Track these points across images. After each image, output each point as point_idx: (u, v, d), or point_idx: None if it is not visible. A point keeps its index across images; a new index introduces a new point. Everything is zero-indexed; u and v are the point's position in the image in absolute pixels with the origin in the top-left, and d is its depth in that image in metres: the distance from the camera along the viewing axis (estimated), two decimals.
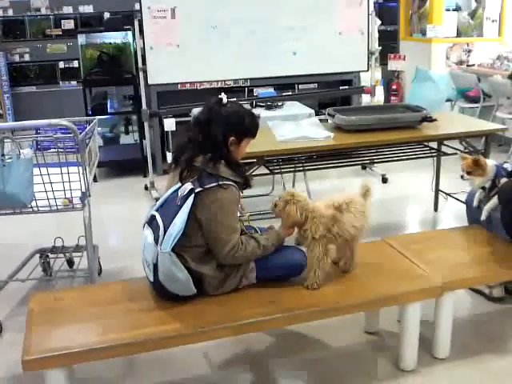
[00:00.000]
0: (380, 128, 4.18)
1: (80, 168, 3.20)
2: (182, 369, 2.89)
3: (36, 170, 3.13)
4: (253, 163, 3.80)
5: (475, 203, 3.36)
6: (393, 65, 7.56)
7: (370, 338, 3.09)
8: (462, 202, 4.03)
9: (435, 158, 4.71)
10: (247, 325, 2.47)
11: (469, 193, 3.52)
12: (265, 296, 2.59)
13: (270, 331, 3.10)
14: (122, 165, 6.49)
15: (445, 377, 2.77)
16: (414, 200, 5.32)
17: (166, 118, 5.53)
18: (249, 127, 2.62)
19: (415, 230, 4.59)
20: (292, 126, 4.32)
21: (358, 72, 6.51)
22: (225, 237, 2.49)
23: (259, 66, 5.99)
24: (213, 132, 2.52)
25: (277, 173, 4.20)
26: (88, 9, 8.82)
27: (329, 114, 4.43)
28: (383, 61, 7.82)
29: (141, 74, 5.63)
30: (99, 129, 4.68)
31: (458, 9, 7.91)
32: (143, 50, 5.63)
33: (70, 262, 3.90)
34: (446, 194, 4.94)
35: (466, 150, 4.24)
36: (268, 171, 4.04)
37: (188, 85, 5.93)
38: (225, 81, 6.00)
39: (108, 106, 6.51)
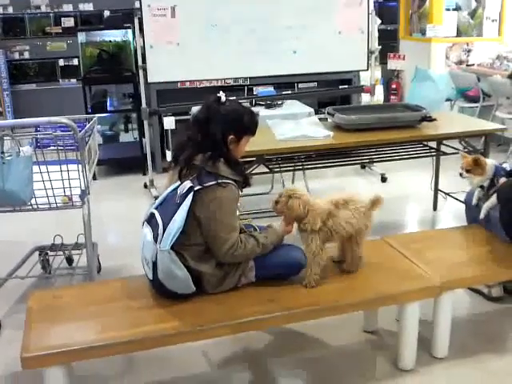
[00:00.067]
0: (379, 127, 4.18)
1: (79, 166, 3.20)
2: (181, 367, 2.89)
3: (35, 168, 3.13)
4: (252, 162, 3.80)
5: (474, 201, 3.37)
6: (392, 64, 7.57)
7: (369, 337, 3.10)
8: (461, 201, 4.03)
9: (434, 158, 4.72)
10: (246, 323, 2.47)
11: (468, 192, 3.53)
12: (264, 294, 2.59)
13: (269, 330, 3.10)
14: (121, 163, 6.49)
15: (443, 376, 2.78)
16: (414, 199, 5.33)
17: (165, 116, 5.54)
18: (248, 125, 2.61)
19: (414, 230, 4.60)
20: (291, 124, 4.32)
21: (358, 71, 6.51)
22: (224, 235, 2.49)
23: (259, 64, 5.99)
24: (212, 131, 2.52)
25: (276, 171, 4.20)
26: (88, 7, 8.83)
27: (328, 113, 4.43)
28: (383, 60, 7.82)
29: (141, 73, 5.63)
30: (99, 126, 4.69)
31: (458, 8, 7.91)
32: (143, 48, 5.63)
33: (70, 260, 3.90)
34: (445, 193, 4.95)
35: (466, 150, 4.24)
36: (267, 170, 4.04)
37: (188, 83, 5.93)
38: (225, 79, 6.00)
39: (108, 104, 6.51)
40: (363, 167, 6.13)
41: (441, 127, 4.28)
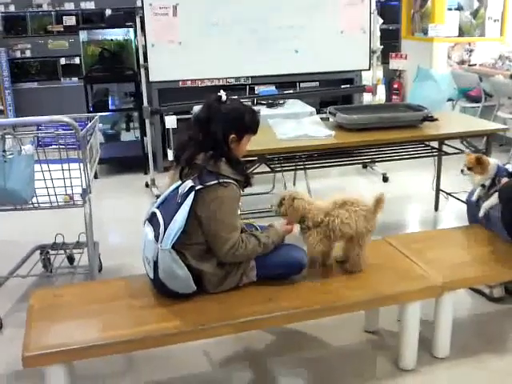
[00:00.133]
0: (381, 127, 4.18)
1: (81, 164, 3.20)
2: (182, 366, 2.89)
3: (37, 167, 3.14)
4: (254, 161, 3.80)
5: (474, 197, 3.36)
6: (394, 64, 7.57)
7: (370, 337, 3.09)
8: (462, 201, 4.03)
9: (436, 158, 4.71)
10: (247, 323, 2.47)
11: (469, 192, 3.53)
12: (265, 294, 2.59)
13: (270, 329, 3.10)
14: (122, 162, 6.50)
15: (444, 376, 2.78)
16: (415, 199, 5.32)
17: (167, 115, 5.54)
18: (249, 124, 2.61)
19: (416, 230, 4.60)
20: (293, 124, 4.32)
21: (360, 71, 6.50)
22: (225, 235, 2.49)
23: (261, 63, 5.98)
24: (212, 130, 2.52)
25: (278, 171, 4.20)
26: (90, 5, 8.83)
27: (330, 113, 4.43)
28: (385, 60, 7.82)
29: (142, 71, 5.63)
30: (100, 125, 4.69)
31: (460, 8, 7.90)
32: (145, 47, 5.63)
33: (71, 259, 3.91)
34: (447, 193, 4.94)
35: (467, 150, 4.23)
36: (269, 169, 4.04)
37: (189, 82, 5.93)
38: (226, 78, 6.00)
39: (109, 102, 6.52)
40: (365, 167, 6.13)
41: (442, 127, 4.27)
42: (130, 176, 6.17)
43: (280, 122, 4.39)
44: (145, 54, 5.64)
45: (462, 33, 7.73)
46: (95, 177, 4.88)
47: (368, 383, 2.75)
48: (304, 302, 2.56)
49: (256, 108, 3.48)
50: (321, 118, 4.66)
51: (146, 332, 2.35)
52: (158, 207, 2.60)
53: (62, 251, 3.83)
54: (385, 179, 5.75)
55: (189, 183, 2.48)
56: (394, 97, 8.15)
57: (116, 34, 6.56)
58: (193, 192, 2.44)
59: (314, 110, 5.41)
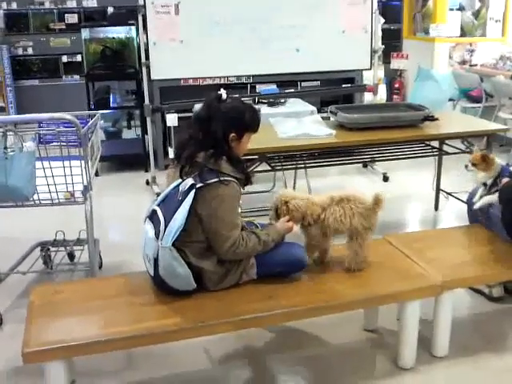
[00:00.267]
0: (382, 126, 4.18)
1: (82, 162, 3.21)
2: (181, 363, 2.89)
3: (38, 164, 3.14)
4: (254, 160, 3.80)
5: (476, 199, 3.36)
6: (395, 63, 7.57)
7: (369, 335, 3.10)
8: (462, 201, 4.04)
9: (436, 157, 4.72)
10: (247, 320, 2.47)
11: (470, 192, 3.53)
12: (265, 292, 2.60)
13: (270, 327, 3.10)
14: (123, 159, 6.50)
15: (443, 375, 2.78)
16: (415, 199, 5.33)
17: (168, 113, 5.54)
18: (249, 123, 2.61)
19: (416, 229, 4.60)
20: (294, 123, 4.32)
21: (361, 70, 6.50)
22: (225, 233, 2.50)
23: (262, 62, 5.98)
24: (213, 129, 2.52)
25: (278, 169, 4.20)
26: (92, 3, 8.83)
27: (331, 112, 4.43)
28: (386, 59, 7.82)
29: (144, 69, 5.63)
30: (102, 122, 4.70)
31: (461, 8, 7.90)
32: (146, 45, 5.63)
33: (71, 256, 3.91)
34: (447, 193, 4.95)
35: (468, 150, 4.24)
36: (269, 168, 4.04)
37: (191, 81, 5.93)
38: (227, 77, 6.00)
39: (111, 100, 6.52)
40: (365, 166, 6.13)
41: (443, 127, 4.27)
42: (131, 174, 6.18)
43: (281, 121, 4.39)
44: (146, 52, 5.63)
45: (463, 33, 7.73)
46: (96, 174, 4.89)
47: (367, 382, 2.76)
48: (304, 300, 2.57)
49: (257, 107, 3.49)
50: (322, 117, 4.67)
51: (146, 329, 2.36)
52: (158, 205, 2.60)
53: (63, 248, 3.84)
54: (385, 178, 5.76)
55: (189, 181, 2.48)
56: (394, 96, 8.16)
57: (118, 32, 6.57)
58: (193, 190, 2.45)
59: (314, 109, 5.41)
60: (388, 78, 8.37)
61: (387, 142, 4.18)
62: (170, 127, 5.39)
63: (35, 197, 3.22)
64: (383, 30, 7.34)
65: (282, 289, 2.63)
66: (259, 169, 3.88)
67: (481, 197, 3.33)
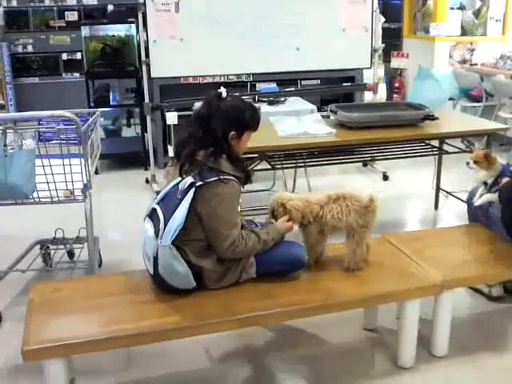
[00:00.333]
0: (382, 125, 4.18)
1: (82, 160, 3.20)
2: (180, 362, 2.89)
3: (38, 161, 3.14)
4: (254, 158, 3.80)
5: (476, 199, 3.36)
6: (396, 62, 7.57)
7: (369, 334, 3.10)
8: (462, 200, 4.04)
9: (436, 157, 4.72)
10: (246, 319, 2.47)
11: (470, 192, 3.53)
12: (264, 291, 2.60)
13: (269, 326, 3.10)
14: (123, 157, 6.50)
15: (442, 374, 2.78)
16: (415, 198, 5.33)
17: (168, 111, 5.54)
18: (249, 121, 2.60)
19: (415, 228, 4.60)
20: (294, 121, 4.32)
21: (361, 69, 6.50)
22: (225, 232, 2.50)
23: (262, 61, 5.98)
24: (212, 127, 2.51)
25: (278, 168, 4.20)
26: (92, 1, 8.83)
27: (331, 111, 4.43)
28: (386, 58, 7.82)
29: (144, 67, 5.63)
30: (101, 119, 4.69)
31: (462, 8, 7.90)
32: (146, 43, 5.63)
33: (71, 254, 3.91)
34: (447, 192, 4.94)
35: (468, 149, 4.24)
36: (269, 166, 4.04)
37: (191, 79, 5.93)
38: (227, 75, 6.00)
39: (110, 98, 6.51)
40: (365, 165, 6.13)
41: (443, 126, 4.27)
42: (131, 172, 6.17)
43: (281, 120, 4.39)
44: (146, 50, 5.63)
45: (463, 32, 7.73)
46: (96, 172, 4.89)
47: (366, 380, 2.75)
48: (303, 299, 2.57)
49: (257, 105, 3.48)
50: (322, 116, 4.66)
51: (146, 327, 2.36)
52: (158, 203, 2.60)
53: (62, 246, 3.84)
54: (385, 177, 5.75)
55: (189, 179, 2.48)
56: (394, 95, 8.17)
57: (118, 30, 6.56)
58: (193, 188, 2.45)
59: (314, 107, 5.41)
60: (388, 76, 8.37)
61: (387, 141, 4.17)
62: (169, 125, 5.39)
63: (35, 195, 3.21)
64: (383, 29, 7.33)
65: (281, 288, 2.63)
66: (259, 167, 3.88)
67: (481, 196, 3.33)
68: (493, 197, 3.22)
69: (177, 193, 2.51)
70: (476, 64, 7.41)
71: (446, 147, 4.50)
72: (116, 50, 6.42)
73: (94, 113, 3.59)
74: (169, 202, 2.54)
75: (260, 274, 2.65)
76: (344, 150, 4.18)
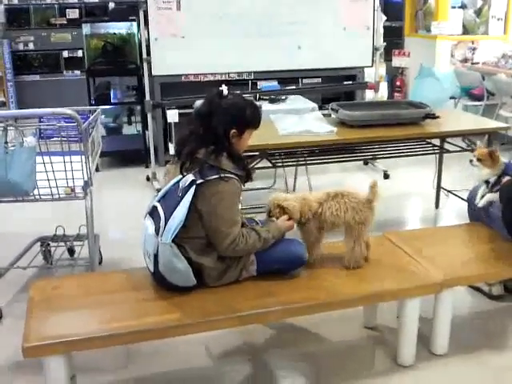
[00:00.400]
0: (383, 124, 4.18)
1: (82, 157, 3.20)
2: (181, 359, 2.89)
3: (39, 159, 3.14)
4: (255, 156, 3.80)
5: (478, 199, 3.35)
6: (397, 61, 7.58)
7: (369, 332, 3.10)
8: (463, 199, 4.03)
9: (437, 155, 4.71)
10: (246, 317, 2.47)
11: (471, 190, 3.53)
12: (264, 288, 2.60)
13: (269, 324, 3.10)
14: (124, 155, 6.50)
15: (442, 372, 2.78)
16: (416, 197, 5.33)
17: (169, 109, 5.55)
18: (250, 119, 2.60)
19: (416, 227, 4.60)
20: (295, 119, 4.32)
21: (363, 67, 6.50)
22: (225, 229, 2.49)
23: (263, 59, 5.98)
24: (213, 125, 2.51)
25: (279, 166, 4.20)
26: None
27: (332, 109, 4.42)
28: (388, 57, 7.81)
29: (145, 65, 5.62)
30: (102, 116, 4.69)
31: (463, 6, 7.90)
32: (148, 40, 5.63)
33: (71, 251, 3.92)
34: (448, 191, 4.94)
35: (469, 148, 4.24)
36: (270, 164, 4.04)
37: (192, 77, 5.93)
38: (229, 73, 6.00)
39: (111, 96, 6.51)
40: (366, 163, 6.13)
41: (444, 125, 4.27)
42: (132, 169, 6.17)
43: (282, 118, 4.39)
44: (147, 48, 5.63)
45: (465, 31, 7.73)
46: (96, 170, 4.89)
47: (366, 378, 2.75)
48: (303, 296, 2.57)
49: (258, 103, 3.48)
50: (323, 114, 4.66)
51: (146, 324, 2.36)
52: (158, 201, 2.60)
53: (63, 243, 3.84)
54: (386, 176, 5.75)
55: (190, 177, 2.48)
56: (396, 94, 8.16)
57: (119, 28, 6.56)
58: (194, 186, 2.45)
59: (315, 105, 5.41)
60: (389, 75, 8.36)
61: (388, 140, 4.17)
62: (170, 123, 5.40)
63: (35, 192, 3.21)
64: (385, 28, 7.31)
65: (281, 285, 2.63)
66: (260, 165, 3.88)
67: (482, 196, 3.33)
68: (495, 197, 3.22)
69: (177, 191, 2.51)
70: (477, 63, 7.40)
71: (446, 146, 4.49)
72: (117, 47, 6.42)
73: (95, 110, 3.60)
74: (169, 200, 2.54)
75: (260, 271, 2.65)
76: (345, 149, 4.18)
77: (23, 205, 3.32)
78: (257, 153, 3.80)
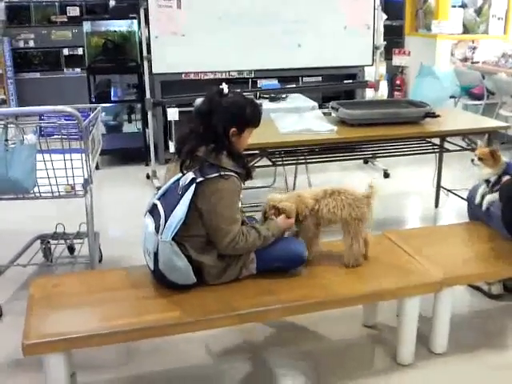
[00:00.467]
0: (383, 123, 4.18)
1: (83, 155, 3.21)
2: (181, 357, 2.89)
3: (39, 156, 3.14)
4: (255, 154, 3.80)
5: (478, 198, 3.35)
6: (397, 60, 7.57)
7: (369, 331, 3.10)
8: (463, 198, 4.04)
9: (437, 154, 4.72)
10: (246, 315, 2.48)
11: (470, 190, 3.53)
12: (264, 287, 2.60)
13: (269, 322, 3.11)
14: (124, 153, 6.50)
15: (441, 371, 2.78)
16: (415, 195, 5.33)
17: (169, 107, 5.54)
18: (250, 117, 2.60)
19: (416, 225, 4.60)
20: (295, 118, 4.33)
21: (363, 66, 6.50)
22: (225, 227, 2.50)
23: (264, 57, 5.97)
24: (213, 123, 2.52)
25: (279, 165, 4.20)
26: None
27: (332, 108, 4.43)
28: (388, 56, 7.81)
29: (145, 63, 5.62)
30: (102, 114, 4.69)
31: (464, 5, 7.90)
32: (148, 38, 5.62)
33: (71, 249, 3.92)
34: (448, 190, 4.94)
35: (469, 147, 4.24)
36: (270, 163, 4.04)
37: (192, 75, 5.92)
38: (229, 72, 6.00)
39: (112, 93, 6.51)
40: (366, 162, 6.13)
41: (444, 124, 4.27)
42: (132, 167, 6.17)
43: (282, 116, 4.39)
44: (148, 46, 5.63)
45: (465, 30, 7.73)
46: (97, 167, 4.89)
47: (365, 377, 2.76)
48: (303, 295, 2.57)
49: (258, 102, 3.49)
50: (323, 113, 4.66)
51: (146, 322, 2.36)
52: (158, 199, 2.61)
53: (63, 241, 3.84)
54: (386, 175, 5.75)
55: (190, 175, 2.49)
56: (396, 93, 8.16)
57: (120, 26, 6.56)
58: (194, 184, 2.45)
59: (316, 104, 5.41)
60: (390, 74, 8.36)
61: (388, 139, 4.18)
62: (170, 121, 5.40)
63: (36, 189, 3.22)
64: (385, 27, 7.32)
65: (281, 284, 2.63)
66: (260, 164, 3.88)
67: (482, 196, 3.32)
68: (495, 197, 3.22)
69: (177, 189, 2.51)
70: (477, 62, 7.40)
71: (446, 145, 4.50)
72: (117, 45, 6.41)
73: (96, 108, 3.60)
74: (169, 198, 2.54)
75: (260, 270, 2.65)
76: (345, 147, 4.18)
77: (23, 202, 3.32)
78: (257, 151, 3.80)
